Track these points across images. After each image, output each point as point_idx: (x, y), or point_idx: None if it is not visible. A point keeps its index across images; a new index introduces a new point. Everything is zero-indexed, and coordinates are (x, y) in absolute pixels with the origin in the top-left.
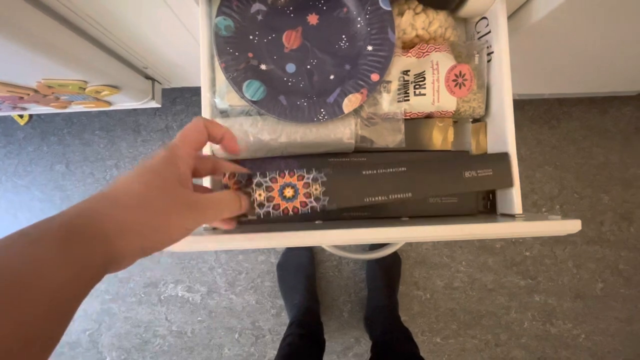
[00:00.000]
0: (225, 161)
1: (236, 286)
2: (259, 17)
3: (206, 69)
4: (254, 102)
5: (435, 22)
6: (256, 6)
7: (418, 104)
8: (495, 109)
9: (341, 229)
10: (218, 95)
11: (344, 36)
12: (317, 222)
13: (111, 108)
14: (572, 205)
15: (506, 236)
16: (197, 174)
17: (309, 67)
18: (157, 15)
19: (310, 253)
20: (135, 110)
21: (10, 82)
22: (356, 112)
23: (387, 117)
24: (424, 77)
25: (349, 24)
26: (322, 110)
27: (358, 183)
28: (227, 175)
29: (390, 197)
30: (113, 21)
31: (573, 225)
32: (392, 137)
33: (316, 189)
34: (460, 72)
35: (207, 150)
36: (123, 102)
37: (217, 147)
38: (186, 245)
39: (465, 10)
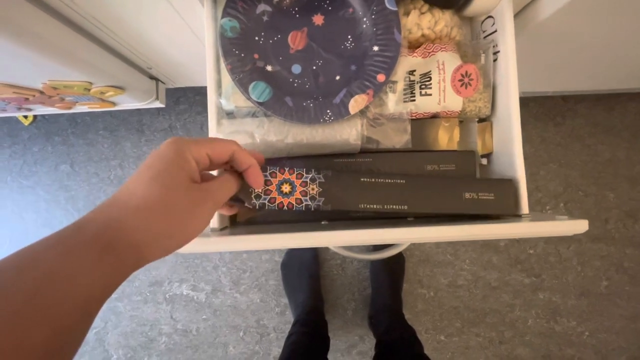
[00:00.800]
0: (245, 154)
1: (240, 285)
2: (265, 18)
3: (212, 71)
4: (260, 104)
5: (441, 21)
6: (261, 7)
7: (424, 104)
8: (501, 109)
9: (347, 230)
10: (224, 97)
11: (349, 36)
12: (323, 222)
13: (115, 108)
14: (576, 203)
15: (512, 236)
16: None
17: (314, 68)
18: (162, 16)
19: (314, 252)
20: (138, 110)
21: (16, 84)
22: (362, 112)
23: (393, 117)
24: (430, 77)
25: (354, 24)
26: (328, 111)
27: (355, 189)
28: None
29: (385, 207)
30: (118, 23)
31: (580, 226)
32: (398, 138)
33: (313, 189)
34: (466, 72)
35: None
36: (127, 103)
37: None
38: (196, 246)
39: (472, 9)
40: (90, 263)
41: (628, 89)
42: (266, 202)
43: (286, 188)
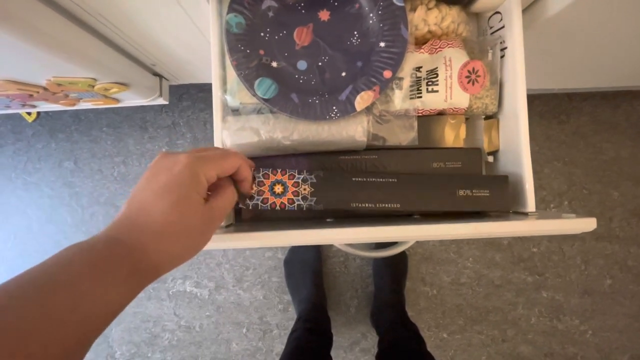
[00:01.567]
0: (247, 168)
1: (244, 282)
2: (270, 14)
3: (217, 67)
4: (265, 100)
5: (448, 17)
6: (267, 3)
7: (430, 101)
8: (508, 106)
9: (353, 227)
10: (229, 94)
11: (355, 32)
12: (328, 219)
13: (119, 105)
14: (581, 201)
15: (518, 234)
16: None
17: (320, 64)
18: (167, 12)
19: (317, 249)
20: (142, 107)
21: (21, 80)
22: (368, 109)
23: (399, 114)
24: (437, 74)
25: (360, 20)
26: (334, 107)
27: (347, 188)
28: None
29: (377, 205)
30: (123, 19)
31: (587, 224)
32: (404, 135)
33: (305, 189)
34: (473, 69)
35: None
36: (131, 100)
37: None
38: None
39: (479, 5)
40: (118, 283)
41: (634, 87)
42: (259, 202)
43: (279, 189)
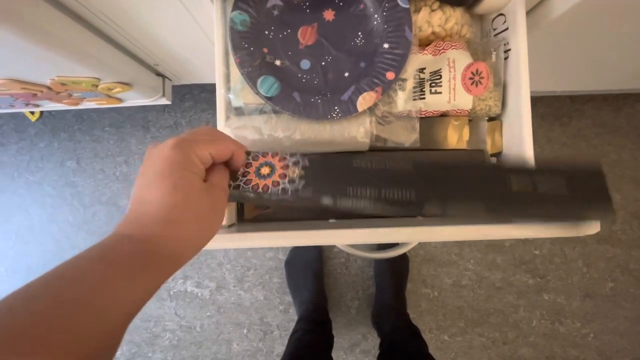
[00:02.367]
0: (242, 154)
1: (245, 282)
2: (275, 12)
3: (220, 65)
4: (268, 99)
5: (452, 18)
6: (272, 1)
7: (434, 102)
8: (511, 108)
9: (355, 229)
10: (233, 93)
11: (360, 33)
12: (331, 220)
13: (122, 105)
14: None
15: (522, 237)
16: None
17: (323, 63)
18: (170, 12)
19: (318, 250)
20: (144, 107)
21: (25, 80)
22: (370, 110)
23: (402, 115)
24: (440, 75)
25: (365, 20)
26: (336, 107)
27: (345, 173)
28: None
29: (381, 191)
30: (126, 18)
31: (591, 227)
32: (406, 136)
33: (294, 172)
34: (477, 70)
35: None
36: (134, 99)
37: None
38: None
39: (483, 7)
40: (133, 278)
41: (636, 89)
42: (241, 184)
43: (265, 170)
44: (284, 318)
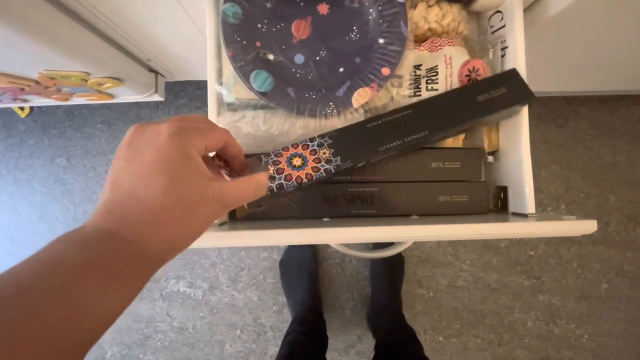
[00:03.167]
0: (236, 144)
1: (238, 282)
2: (268, 5)
3: (212, 59)
4: (261, 94)
5: (449, 15)
6: None
7: None
8: None
9: (350, 227)
10: (225, 88)
11: (355, 28)
12: (325, 219)
13: (113, 101)
14: (578, 205)
15: (518, 236)
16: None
17: (317, 58)
18: (162, 4)
19: (313, 250)
20: (137, 103)
21: (11, 73)
22: (365, 106)
23: None
24: (437, 72)
25: (360, 15)
26: (330, 103)
27: (366, 136)
28: (221, 162)
29: (405, 139)
30: (117, 11)
31: (588, 226)
32: None
33: (324, 153)
34: (473, 67)
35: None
36: (126, 95)
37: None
38: (195, 242)
39: (480, 3)
40: (121, 284)
41: (631, 91)
42: (282, 181)
43: (297, 161)
44: (277, 319)
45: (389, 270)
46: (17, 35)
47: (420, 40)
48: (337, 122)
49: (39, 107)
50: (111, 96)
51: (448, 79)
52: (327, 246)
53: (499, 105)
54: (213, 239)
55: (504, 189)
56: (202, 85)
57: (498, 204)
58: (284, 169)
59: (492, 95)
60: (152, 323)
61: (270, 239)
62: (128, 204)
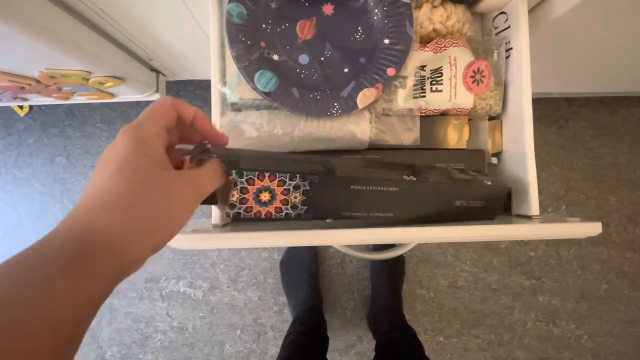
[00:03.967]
0: (207, 124)
1: (238, 282)
2: (273, 5)
3: (216, 59)
4: (265, 94)
5: (453, 16)
6: None
7: (434, 101)
8: (512, 107)
9: (353, 229)
10: (228, 88)
11: (359, 28)
12: (328, 220)
13: (114, 100)
14: (578, 206)
15: (523, 238)
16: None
17: (322, 59)
18: (165, 4)
19: (314, 250)
20: (138, 102)
21: (12, 72)
22: (370, 107)
23: (402, 113)
24: (441, 73)
25: (365, 15)
26: (335, 104)
27: (342, 196)
28: (189, 156)
29: (369, 214)
30: (119, 9)
31: (593, 228)
32: (407, 135)
33: (295, 197)
34: (478, 69)
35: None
36: (126, 94)
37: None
38: (196, 243)
39: (485, 4)
40: (55, 279)
41: (632, 92)
42: (241, 211)
43: (265, 196)
44: (278, 319)
45: (390, 271)
46: (18, 34)
47: (424, 41)
48: (342, 122)
49: (39, 106)
50: (112, 95)
51: (452, 80)
52: (328, 246)
53: (470, 215)
54: (216, 240)
55: (508, 191)
56: (202, 85)
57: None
58: (248, 199)
59: (469, 204)
60: (152, 323)
61: (273, 240)
62: (81, 200)
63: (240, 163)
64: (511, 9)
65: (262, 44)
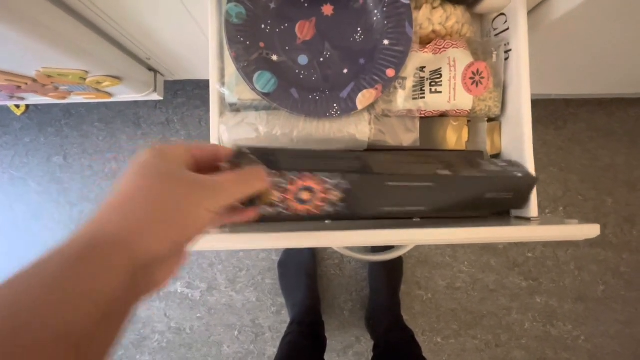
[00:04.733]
0: (201, 147)
1: (236, 283)
2: (272, 5)
3: (215, 59)
4: (264, 95)
5: (453, 17)
6: None
7: (434, 102)
8: (511, 109)
9: (352, 231)
10: (227, 88)
11: (359, 29)
12: (326, 221)
13: (112, 100)
14: (575, 208)
15: (522, 240)
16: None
17: (322, 59)
18: (163, 2)
19: (312, 251)
20: (135, 102)
21: (8, 71)
22: (369, 108)
23: (402, 114)
24: (441, 74)
25: (365, 16)
26: (334, 105)
27: (379, 192)
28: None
29: (405, 209)
30: (117, 9)
31: (591, 230)
32: (406, 136)
33: (335, 196)
34: (477, 70)
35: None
36: (124, 94)
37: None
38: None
39: (484, 6)
40: (60, 279)
41: (629, 94)
42: (281, 210)
43: (305, 195)
44: (276, 320)
45: (388, 272)
46: (14, 32)
47: (424, 42)
48: (341, 123)
49: (35, 105)
50: (109, 95)
51: (452, 82)
52: (327, 247)
53: (499, 205)
54: (214, 242)
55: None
56: (201, 85)
57: None
58: (288, 199)
59: (499, 196)
60: (149, 324)
61: (272, 242)
62: (103, 202)
63: (280, 163)
64: (510, 11)
65: (261, 44)
